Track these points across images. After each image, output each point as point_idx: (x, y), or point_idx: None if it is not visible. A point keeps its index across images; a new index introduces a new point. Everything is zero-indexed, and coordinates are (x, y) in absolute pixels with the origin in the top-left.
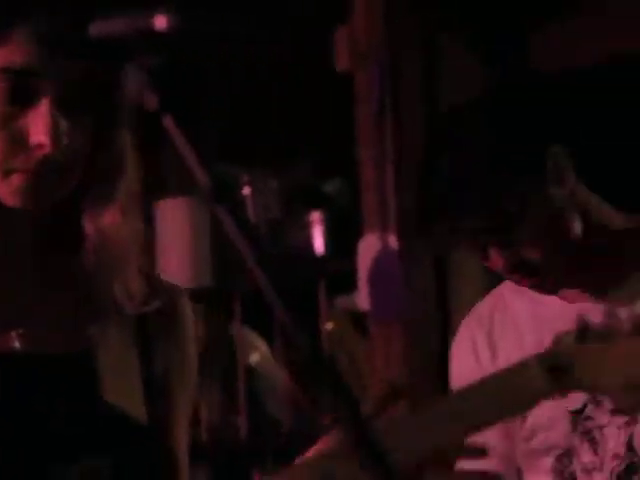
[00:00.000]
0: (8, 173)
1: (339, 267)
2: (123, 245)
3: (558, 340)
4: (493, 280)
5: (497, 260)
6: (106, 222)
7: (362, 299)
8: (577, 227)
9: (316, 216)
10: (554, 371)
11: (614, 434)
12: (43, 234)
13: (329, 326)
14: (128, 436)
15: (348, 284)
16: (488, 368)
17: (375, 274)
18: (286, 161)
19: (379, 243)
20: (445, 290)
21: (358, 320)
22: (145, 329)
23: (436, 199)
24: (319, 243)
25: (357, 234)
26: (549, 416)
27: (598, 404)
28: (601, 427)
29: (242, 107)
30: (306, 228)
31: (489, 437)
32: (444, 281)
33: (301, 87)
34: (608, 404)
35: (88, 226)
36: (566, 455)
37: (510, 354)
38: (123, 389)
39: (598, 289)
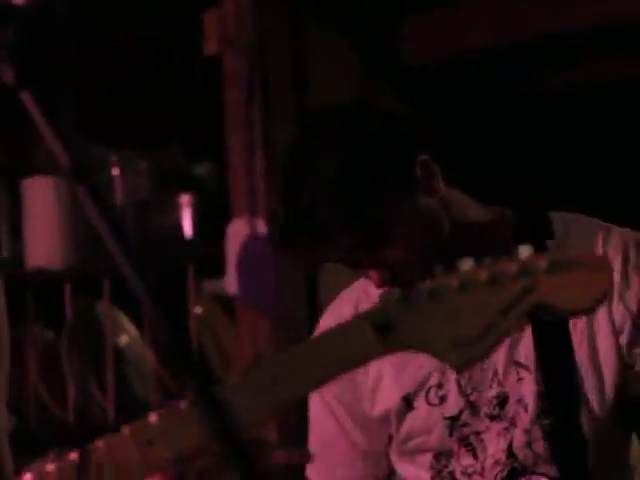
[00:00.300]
0: None
1: (208, 251)
2: None
3: (383, 299)
4: None
5: (372, 274)
6: None
7: (230, 283)
8: (446, 228)
9: (185, 199)
10: (380, 329)
11: (493, 440)
12: None
13: (198, 310)
14: None
15: (217, 268)
16: None
17: (243, 258)
18: (156, 143)
19: (248, 228)
20: (315, 274)
21: (226, 304)
22: None
23: (301, 215)
24: (188, 226)
25: (226, 218)
26: (425, 422)
27: (474, 410)
28: (478, 433)
29: (112, 88)
30: (175, 211)
31: (355, 437)
32: (314, 265)
33: (172, 68)
34: (486, 410)
35: None
36: (444, 455)
37: None
38: None
39: None
